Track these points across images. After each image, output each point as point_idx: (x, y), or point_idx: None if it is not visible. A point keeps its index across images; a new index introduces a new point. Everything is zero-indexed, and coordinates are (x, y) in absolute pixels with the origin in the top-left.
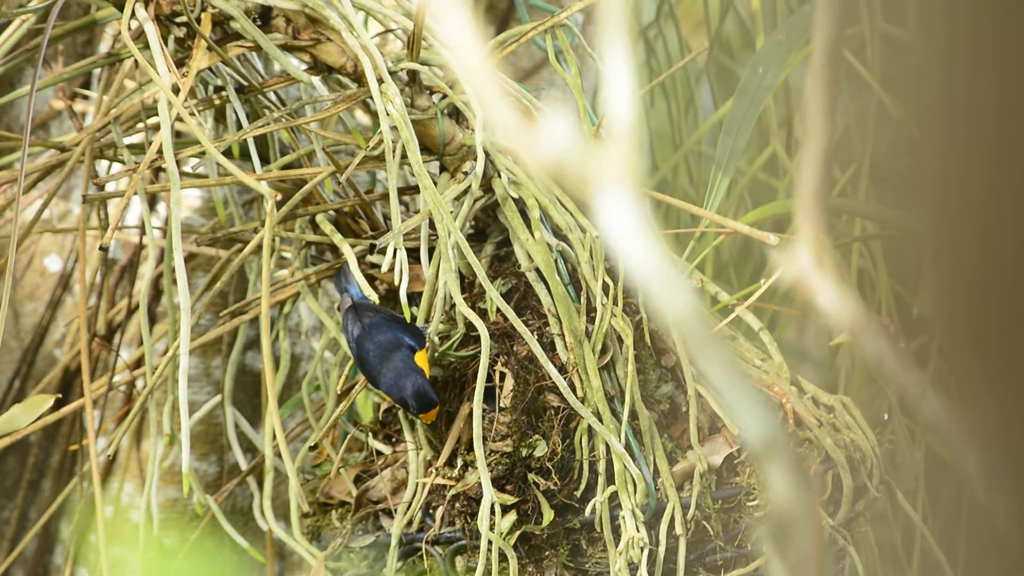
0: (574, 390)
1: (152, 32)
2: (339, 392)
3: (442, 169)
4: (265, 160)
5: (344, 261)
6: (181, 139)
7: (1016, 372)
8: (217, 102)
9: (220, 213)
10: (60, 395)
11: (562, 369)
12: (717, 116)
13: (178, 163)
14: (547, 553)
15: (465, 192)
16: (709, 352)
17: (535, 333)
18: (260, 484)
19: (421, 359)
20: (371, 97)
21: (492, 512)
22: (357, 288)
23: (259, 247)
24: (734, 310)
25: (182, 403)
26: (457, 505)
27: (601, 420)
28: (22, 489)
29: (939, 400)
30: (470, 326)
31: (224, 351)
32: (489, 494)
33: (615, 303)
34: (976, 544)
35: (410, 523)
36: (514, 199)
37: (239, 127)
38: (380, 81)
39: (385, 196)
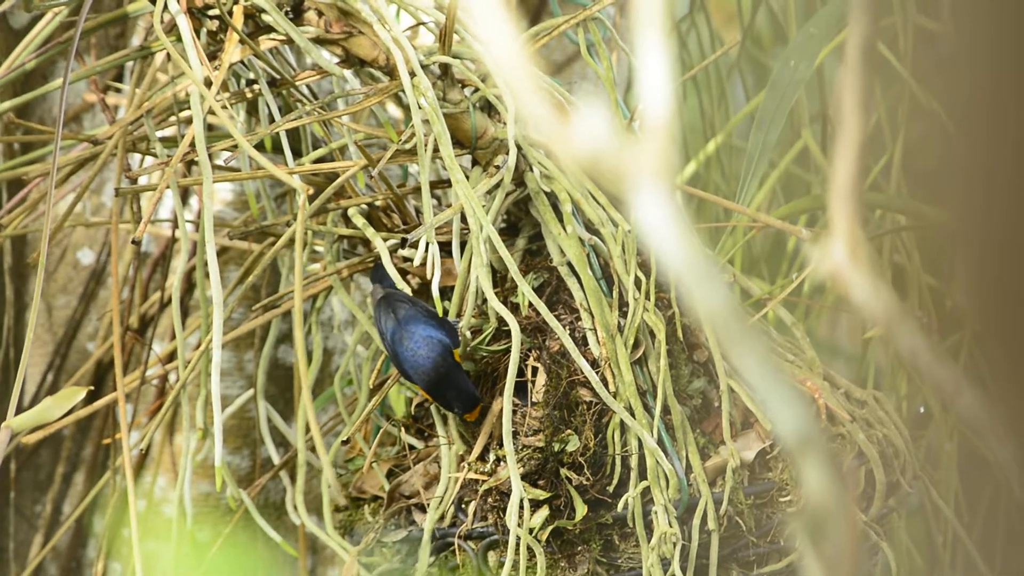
0: (606, 385)
1: (184, 25)
2: (372, 386)
3: (474, 163)
4: (297, 154)
5: (379, 258)
6: (213, 132)
7: None
8: (249, 95)
9: (252, 207)
10: (93, 388)
11: (594, 364)
12: (748, 109)
13: (210, 157)
14: (579, 548)
15: (497, 186)
16: (742, 347)
17: (567, 328)
18: (293, 478)
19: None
20: (403, 90)
21: (521, 508)
22: (390, 281)
23: (291, 241)
24: (766, 305)
25: (215, 397)
26: (490, 500)
27: (633, 415)
28: (55, 483)
29: (974, 394)
30: (502, 321)
31: (257, 345)
32: (518, 490)
33: (647, 297)
34: (1013, 539)
35: (442, 518)
36: (546, 193)
37: (271, 120)
38: (412, 74)
39: (417, 190)
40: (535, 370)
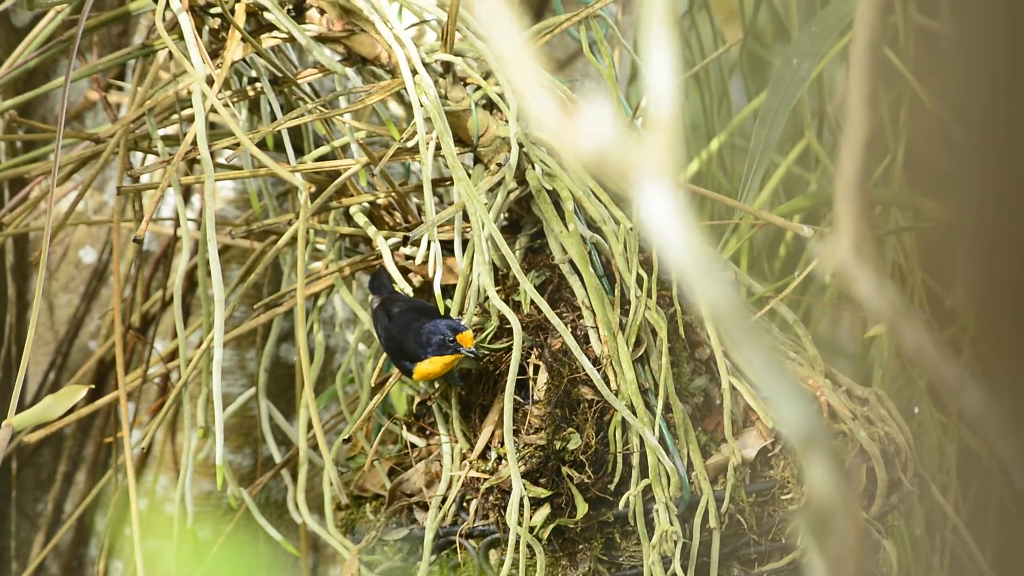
0: (608, 383)
1: (186, 23)
2: (373, 385)
3: (476, 161)
4: (299, 152)
5: (380, 266)
6: (215, 130)
7: None
8: (251, 93)
9: (254, 205)
10: (94, 387)
11: (596, 362)
12: (751, 108)
13: (212, 155)
14: (581, 546)
15: (499, 184)
16: (745, 344)
17: (569, 326)
18: (294, 477)
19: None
20: (405, 88)
21: (522, 506)
22: (389, 289)
23: (293, 239)
24: (768, 302)
25: (216, 396)
26: (491, 498)
27: (635, 413)
28: (57, 481)
29: (977, 391)
30: (504, 319)
31: (258, 343)
32: (519, 488)
33: (649, 295)
34: (1006, 533)
35: (444, 516)
36: (548, 191)
37: (273, 118)
38: (414, 72)
39: (419, 188)
40: (537, 368)
